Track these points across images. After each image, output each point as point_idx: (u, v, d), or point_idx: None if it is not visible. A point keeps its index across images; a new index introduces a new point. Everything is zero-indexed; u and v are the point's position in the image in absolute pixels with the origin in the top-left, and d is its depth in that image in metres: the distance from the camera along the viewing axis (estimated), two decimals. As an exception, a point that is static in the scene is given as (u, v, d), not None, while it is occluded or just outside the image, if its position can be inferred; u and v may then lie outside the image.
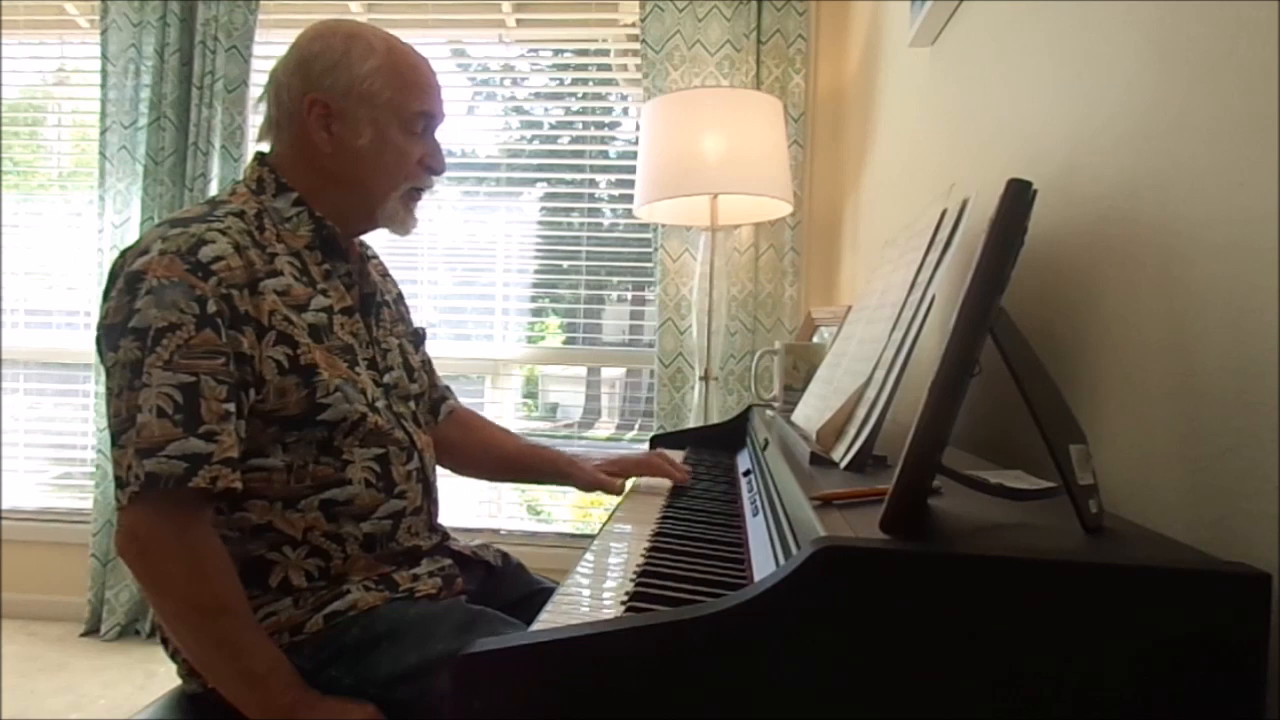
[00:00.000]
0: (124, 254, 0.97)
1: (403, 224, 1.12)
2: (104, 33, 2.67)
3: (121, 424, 0.90)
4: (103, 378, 2.75)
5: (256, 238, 1.01)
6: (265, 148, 1.11)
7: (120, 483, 0.89)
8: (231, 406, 0.92)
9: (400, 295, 1.29)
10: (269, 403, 0.96)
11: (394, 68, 1.06)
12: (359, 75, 1.04)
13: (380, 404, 1.07)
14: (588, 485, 1.35)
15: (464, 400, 1.43)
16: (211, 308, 0.92)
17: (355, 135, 1.05)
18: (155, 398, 0.89)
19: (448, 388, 1.38)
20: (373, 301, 1.14)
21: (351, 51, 1.05)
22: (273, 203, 1.06)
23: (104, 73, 2.68)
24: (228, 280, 0.94)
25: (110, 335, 0.93)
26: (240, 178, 2.71)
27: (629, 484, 1.36)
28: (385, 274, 1.28)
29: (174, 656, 1.02)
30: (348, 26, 1.09)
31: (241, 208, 1.03)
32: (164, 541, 0.90)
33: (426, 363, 1.31)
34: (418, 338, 1.28)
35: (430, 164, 1.12)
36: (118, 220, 2.69)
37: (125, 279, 0.93)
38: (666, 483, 1.31)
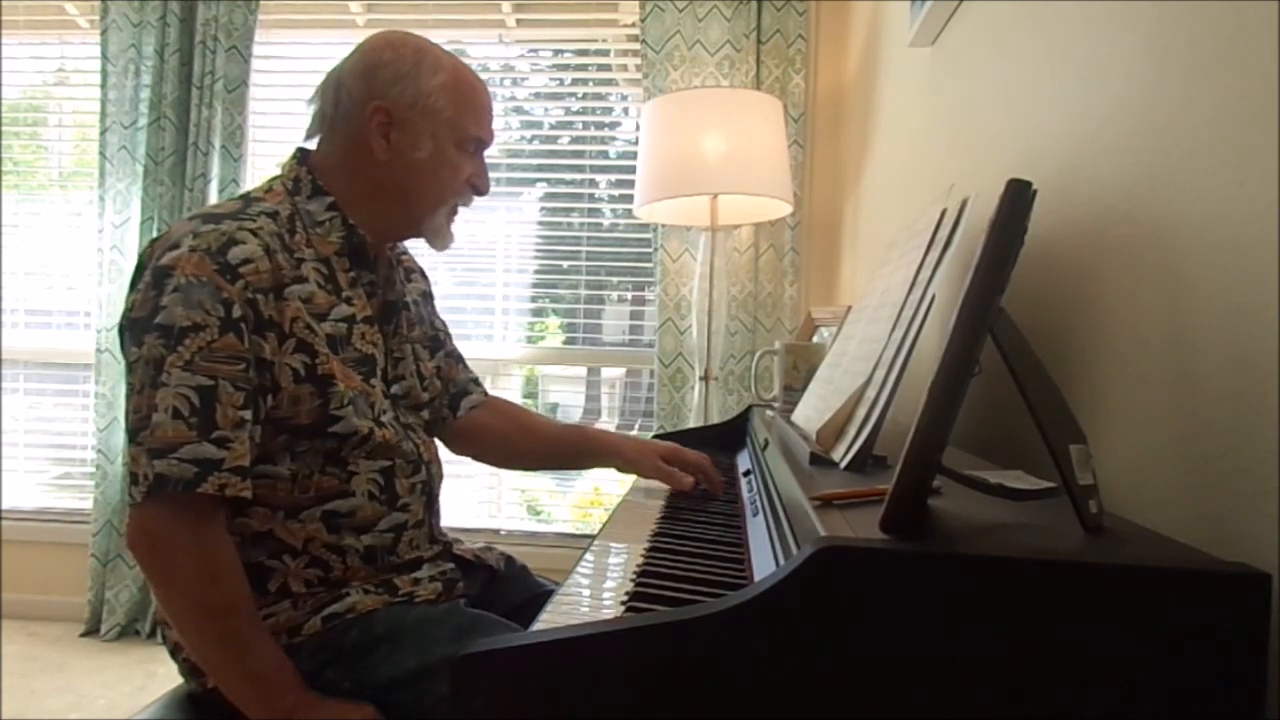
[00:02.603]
0: (153, 244, 0.96)
1: (444, 239, 1.13)
2: (104, 33, 2.67)
3: (140, 421, 0.89)
4: (103, 377, 2.77)
5: (286, 241, 0.99)
6: (311, 145, 1.10)
7: (133, 479, 0.89)
8: (247, 414, 0.92)
9: (426, 293, 1.27)
10: (282, 410, 0.96)
11: (458, 87, 1.07)
12: (425, 90, 1.05)
13: (387, 416, 1.06)
14: (648, 474, 1.28)
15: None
16: (236, 312, 0.91)
17: (414, 147, 1.05)
18: (172, 398, 0.88)
19: (474, 380, 1.33)
20: (394, 309, 1.13)
21: (421, 65, 1.06)
22: (306, 205, 1.05)
23: (104, 73, 2.68)
24: (255, 284, 0.93)
25: (135, 330, 0.92)
26: (238, 177, 2.70)
27: (630, 481, 1.36)
28: (413, 270, 1.26)
29: (174, 654, 1.02)
30: (417, 40, 1.10)
31: (275, 208, 1.02)
32: (175, 539, 0.89)
33: (444, 364, 1.27)
34: (434, 342, 1.26)
35: (476, 183, 1.13)
36: (118, 220, 2.69)
37: (153, 273, 0.92)
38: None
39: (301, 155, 1.09)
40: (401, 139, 1.05)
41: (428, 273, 1.31)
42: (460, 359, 1.32)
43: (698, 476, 1.26)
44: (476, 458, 1.36)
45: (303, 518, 0.99)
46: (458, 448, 1.33)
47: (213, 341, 0.90)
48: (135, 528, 0.90)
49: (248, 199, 1.03)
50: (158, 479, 0.87)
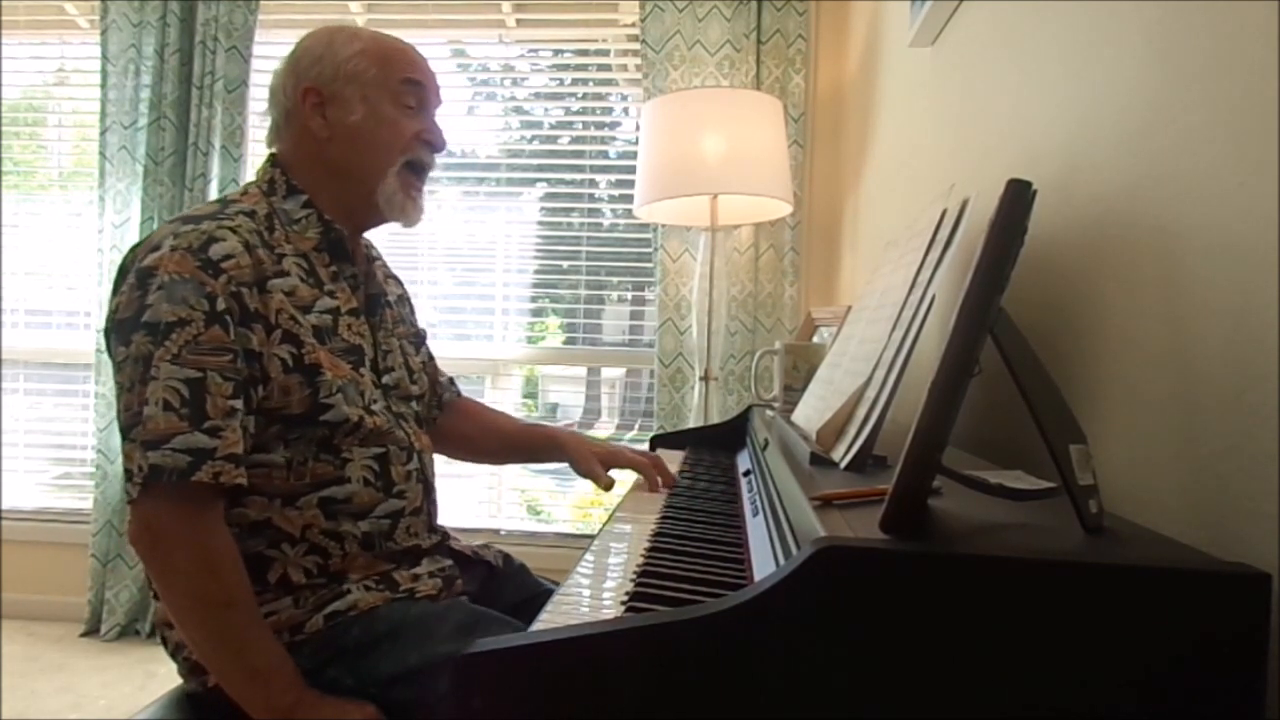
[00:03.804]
0: (134, 249, 0.98)
1: (403, 210, 1.12)
2: (104, 33, 2.67)
3: (132, 418, 0.91)
4: (103, 377, 2.77)
5: (265, 238, 1.02)
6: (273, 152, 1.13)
7: (129, 475, 0.90)
8: (238, 403, 0.93)
9: (403, 296, 1.30)
10: (273, 400, 0.97)
11: (377, 47, 1.10)
12: (344, 58, 1.08)
13: (378, 405, 1.08)
14: (580, 471, 1.34)
15: (464, 400, 1.43)
16: (221, 305, 0.93)
17: (348, 113, 1.08)
18: (162, 391, 0.90)
19: (450, 381, 1.39)
20: (378, 303, 1.15)
21: (334, 41, 1.10)
22: (282, 204, 1.08)
23: (104, 73, 2.68)
24: (237, 278, 0.95)
25: (121, 330, 0.93)
26: (238, 177, 2.72)
27: (630, 482, 1.36)
28: (389, 275, 1.28)
29: (174, 655, 1.03)
30: (332, 25, 1.14)
31: (252, 208, 1.04)
32: (175, 533, 0.90)
33: (427, 364, 1.31)
34: (418, 339, 1.29)
35: (428, 138, 1.13)
36: (118, 220, 2.69)
37: (136, 274, 0.94)
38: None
39: (273, 158, 1.12)
40: (335, 111, 1.08)
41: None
42: (435, 366, 1.36)
43: (650, 476, 1.30)
44: (446, 455, 1.40)
45: (300, 504, 1.00)
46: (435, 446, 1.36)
47: (199, 335, 0.91)
48: (136, 524, 0.91)
49: (225, 201, 1.06)
50: (152, 470, 0.88)
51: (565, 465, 1.36)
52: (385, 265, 1.29)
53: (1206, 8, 0.63)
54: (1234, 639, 0.48)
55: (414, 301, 1.35)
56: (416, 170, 1.12)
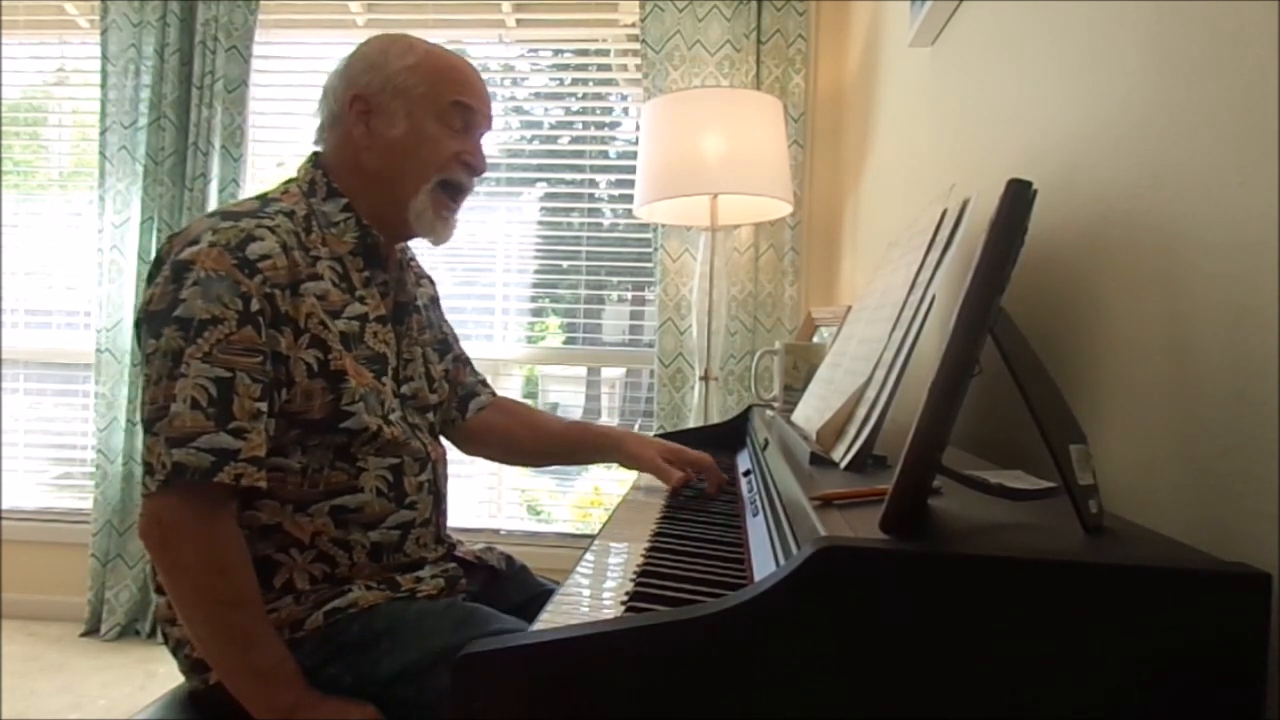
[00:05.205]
0: (171, 240, 0.98)
1: (432, 228, 1.11)
2: (104, 33, 2.67)
3: (157, 411, 0.90)
4: (103, 377, 2.77)
5: (302, 239, 1.02)
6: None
7: (149, 469, 0.90)
8: (264, 405, 0.93)
9: (434, 298, 1.29)
10: (295, 404, 0.97)
11: (430, 64, 1.10)
12: (395, 70, 1.08)
13: (395, 415, 1.08)
14: (642, 468, 1.32)
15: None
16: (255, 306, 0.93)
17: (390, 126, 1.07)
18: (191, 389, 0.90)
19: (481, 382, 1.36)
20: (406, 310, 1.15)
21: (389, 51, 1.09)
22: (321, 206, 1.07)
23: (104, 73, 2.68)
24: (272, 279, 0.95)
25: (153, 322, 0.93)
26: (238, 177, 2.71)
27: (629, 481, 1.36)
28: (421, 276, 1.27)
29: (175, 651, 1.03)
30: (394, 35, 1.13)
31: (292, 208, 1.04)
32: (187, 530, 0.90)
33: (454, 365, 1.30)
34: (444, 345, 1.28)
35: (469, 160, 1.11)
36: (118, 220, 2.69)
37: (172, 267, 0.94)
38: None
39: (315, 159, 1.12)
40: (379, 122, 1.08)
41: (430, 270, 1.32)
42: (467, 362, 1.35)
43: (699, 475, 1.29)
44: (487, 457, 1.39)
45: (311, 512, 1.00)
46: (468, 448, 1.36)
47: (231, 334, 0.91)
48: (148, 517, 0.91)
49: (264, 199, 1.05)
50: (176, 468, 0.88)
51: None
52: (419, 266, 1.28)
53: (1206, 8, 0.63)
54: (1234, 639, 0.48)
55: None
56: (452, 191, 1.11)
